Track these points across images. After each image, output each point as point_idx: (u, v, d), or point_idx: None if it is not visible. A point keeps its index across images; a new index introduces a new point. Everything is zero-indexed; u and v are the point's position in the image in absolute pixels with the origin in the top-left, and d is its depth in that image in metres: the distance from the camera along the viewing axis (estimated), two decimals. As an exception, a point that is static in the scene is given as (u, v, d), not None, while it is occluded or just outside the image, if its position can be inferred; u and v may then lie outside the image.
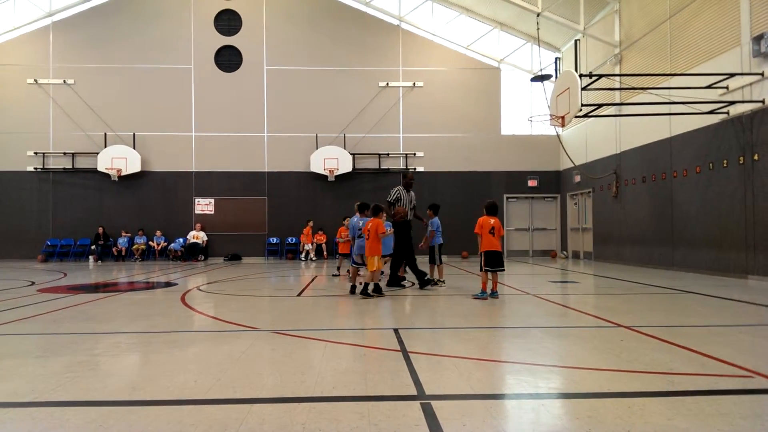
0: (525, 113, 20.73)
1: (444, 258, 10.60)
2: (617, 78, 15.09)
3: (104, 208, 20.11)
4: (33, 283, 11.03)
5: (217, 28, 20.64)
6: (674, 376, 3.79)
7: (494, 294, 8.08)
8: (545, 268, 14.86)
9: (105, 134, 19.93)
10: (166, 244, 19.74)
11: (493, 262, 8.02)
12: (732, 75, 11.10)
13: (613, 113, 15.99)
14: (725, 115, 11.55)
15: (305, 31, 20.72)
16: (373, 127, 20.63)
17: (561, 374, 3.99)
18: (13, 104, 19.93)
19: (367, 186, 20.57)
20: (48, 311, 7.05)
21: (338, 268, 12.79)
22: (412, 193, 10.06)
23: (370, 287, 8.28)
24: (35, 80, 19.96)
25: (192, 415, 3.05)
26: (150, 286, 10.85)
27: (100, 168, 19.60)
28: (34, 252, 19.46)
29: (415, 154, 20.71)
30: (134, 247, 19.58)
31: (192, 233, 19.84)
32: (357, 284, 8.82)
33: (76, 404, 3.28)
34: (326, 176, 20.10)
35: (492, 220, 8.07)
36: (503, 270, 8.24)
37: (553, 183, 21.16)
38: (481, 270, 8.11)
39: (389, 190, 10.36)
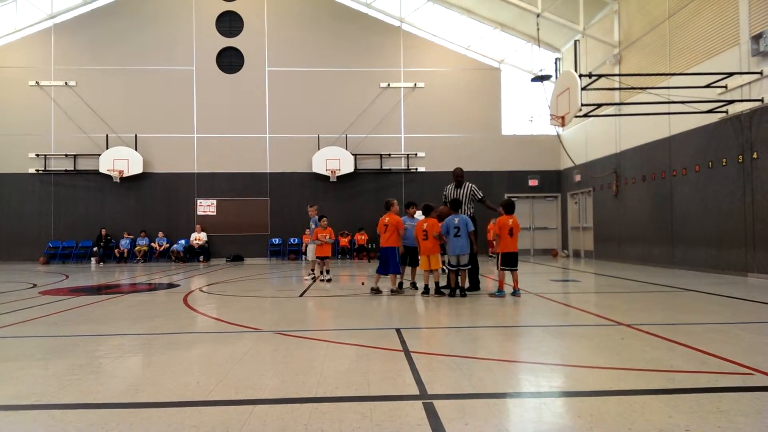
0: (525, 113, 20.75)
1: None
2: (617, 78, 15.09)
3: (106, 209, 20.14)
4: (35, 286, 11.04)
5: (218, 30, 20.68)
6: (675, 373, 3.80)
7: (516, 292, 8.16)
8: (547, 267, 14.86)
9: (107, 136, 19.96)
10: (168, 245, 19.77)
11: (510, 261, 8.17)
12: (731, 74, 11.11)
13: (613, 113, 16.00)
14: (724, 114, 11.55)
15: (307, 33, 20.75)
16: (374, 128, 20.65)
17: (562, 373, 4.00)
18: (15, 106, 19.97)
19: (369, 186, 20.60)
20: (50, 313, 7.06)
21: (323, 272, 11.41)
22: (467, 188, 9.20)
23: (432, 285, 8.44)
24: (37, 82, 20.00)
25: (194, 417, 3.06)
26: (152, 287, 10.88)
27: (102, 170, 19.63)
28: (36, 254, 19.49)
29: (416, 154, 20.73)
30: (136, 248, 19.61)
31: (194, 235, 19.88)
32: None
33: (77, 407, 3.29)
34: (328, 177, 20.12)
35: (510, 221, 8.17)
36: (515, 269, 8.28)
37: (554, 182, 21.16)
38: (498, 269, 8.31)
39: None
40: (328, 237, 11.37)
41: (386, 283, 9.16)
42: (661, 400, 3.23)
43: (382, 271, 8.80)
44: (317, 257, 11.54)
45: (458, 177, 9.34)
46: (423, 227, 8.42)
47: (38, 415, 3.15)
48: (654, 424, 2.84)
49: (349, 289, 9.95)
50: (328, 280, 11.23)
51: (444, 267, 8.94)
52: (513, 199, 10.80)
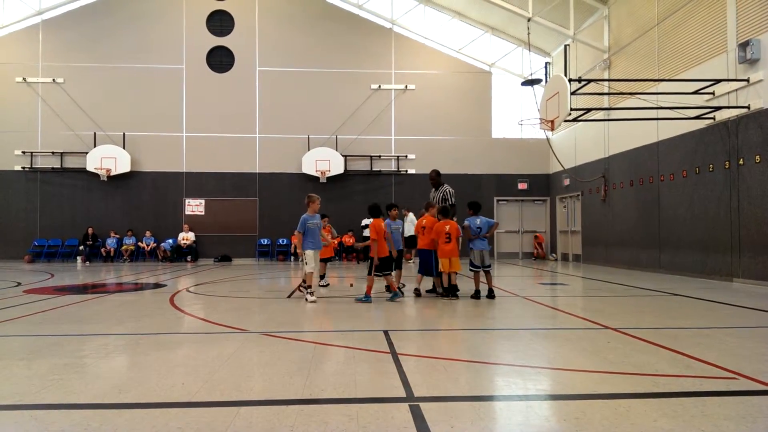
0: (515, 117, 20.85)
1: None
2: (606, 83, 15.21)
3: (93, 208, 19.95)
4: (19, 284, 10.91)
5: (209, 29, 20.58)
6: (660, 377, 3.83)
7: (367, 298, 7.92)
8: (534, 270, 14.93)
9: (94, 134, 19.78)
10: (155, 244, 19.62)
11: (386, 266, 8.18)
12: (718, 81, 11.23)
13: (602, 118, 16.11)
14: (711, 121, 11.68)
15: (298, 33, 20.71)
16: (365, 129, 20.65)
17: (549, 376, 4.02)
18: (1, 103, 19.73)
19: (358, 187, 20.58)
20: (34, 312, 6.98)
21: (322, 277, 10.56)
22: (443, 190, 9.25)
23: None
24: (24, 79, 19.77)
25: (179, 418, 3.04)
26: (138, 287, 10.78)
27: (89, 168, 19.45)
28: (21, 252, 19.25)
29: (406, 156, 20.75)
30: (123, 247, 19.43)
31: (182, 234, 19.75)
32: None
33: (60, 407, 3.25)
34: (318, 178, 20.08)
35: (384, 224, 8.24)
36: (389, 273, 8.28)
37: (543, 186, 21.28)
38: (369, 274, 8.17)
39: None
40: (330, 238, 10.77)
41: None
42: (646, 404, 3.25)
43: (423, 271, 8.74)
44: (322, 259, 10.31)
45: (431, 179, 9.49)
46: (446, 229, 8.26)
47: (19, 416, 3.10)
48: (639, 427, 2.86)
49: (338, 290, 9.92)
50: (326, 285, 10.43)
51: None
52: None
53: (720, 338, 5.28)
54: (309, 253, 8.29)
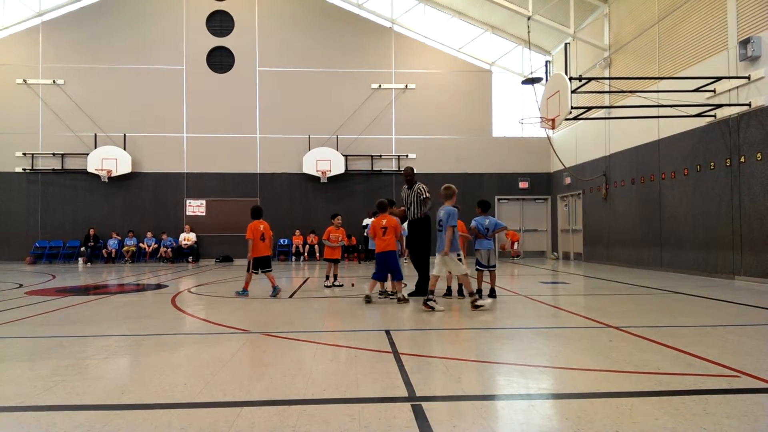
0: (516, 116, 20.84)
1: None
2: (607, 81, 15.19)
3: (94, 209, 19.96)
4: (21, 286, 10.92)
5: (209, 29, 20.58)
6: (662, 375, 3.82)
7: (244, 292, 8.97)
8: (536, 269, 14.92)
9: (95, 135, 19.80)
10: (156, 245, 19.63)
11: (262, 264, 9.03)
12: (719, 78, 11.21)
13: (603, 116, 16.10)
14: (712, 118, 11.66)
15: (298, 33, 20.71)
16: (365, 129, 20.65)
17: (551, 375, 4.02)
18: (2, 105, 19.73)
19: (359, 187, 20.58)
20: (36, 314, 6.99)
21: (328, 277, 10.42)
22: (416, 189, 8.88)
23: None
24: (24, 80, 19.79)
25: (181, 419, 3.04)
26: (140, 288, 10.79)
27: (90, 169, 19.46)
28: (22, 254, 19.26)
29: (407, 155, 20.74)
30: (124, 248, 19.45)
31: (183, 235, 19.77)
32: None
33: (63, 408, 3.26)
34: (318, 177, 20.09)
35: (261, 226, 8.98)
36: (270, 270, 9.11)
37: (544, 185, 21.26)
38: (248, 271, 8.97)
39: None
40: (340, 239, 10.41)
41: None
42: (648, 402, 3.25)
43: (380, 276, 8.16)
44: (326, 259, 10.47)
45: (406, 177, 9.10)
46: None
47: (22, 417, 3.11)
48: (641, 425, 2.85)
49: (339, 290, 9.91)
50: (340, 286, 10.20)
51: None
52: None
53: (722, 336, 5.28)
54: (448, 256, 7.25)
